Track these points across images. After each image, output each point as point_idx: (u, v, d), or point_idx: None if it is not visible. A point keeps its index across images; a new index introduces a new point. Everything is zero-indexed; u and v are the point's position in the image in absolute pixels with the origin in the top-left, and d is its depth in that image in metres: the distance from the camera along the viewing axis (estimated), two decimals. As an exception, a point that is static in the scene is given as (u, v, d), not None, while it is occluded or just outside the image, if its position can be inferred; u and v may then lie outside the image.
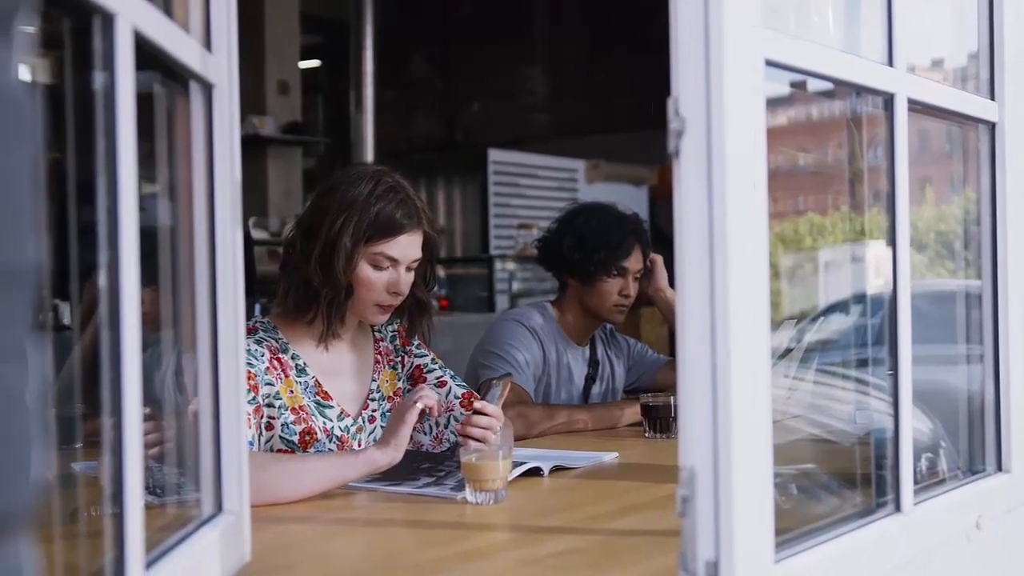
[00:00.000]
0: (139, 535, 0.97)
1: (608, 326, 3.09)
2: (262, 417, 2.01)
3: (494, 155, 8.41)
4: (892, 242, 1.46)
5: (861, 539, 1.36)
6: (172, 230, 1.28)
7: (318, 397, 2.11)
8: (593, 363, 3.03)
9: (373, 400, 2.20)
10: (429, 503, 1.82)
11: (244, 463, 1.35)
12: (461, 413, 2.18)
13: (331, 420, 2.10)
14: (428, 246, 2.15)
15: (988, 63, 1.74)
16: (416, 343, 2.31)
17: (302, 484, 1.84)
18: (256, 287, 4.37)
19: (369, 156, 7.04)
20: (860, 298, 1.72)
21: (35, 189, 0.66)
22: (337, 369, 2.17)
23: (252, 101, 7.04)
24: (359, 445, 2.13)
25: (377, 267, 2.08)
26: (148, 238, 1.04)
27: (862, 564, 1.36)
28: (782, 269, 1.46)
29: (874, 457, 1.54)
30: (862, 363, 1.70)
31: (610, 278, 2.89)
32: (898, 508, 1.45)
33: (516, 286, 7.78)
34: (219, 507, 1.32)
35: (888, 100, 1.46)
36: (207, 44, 1.29)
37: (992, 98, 1.74)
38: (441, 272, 7.71)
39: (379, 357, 2.26)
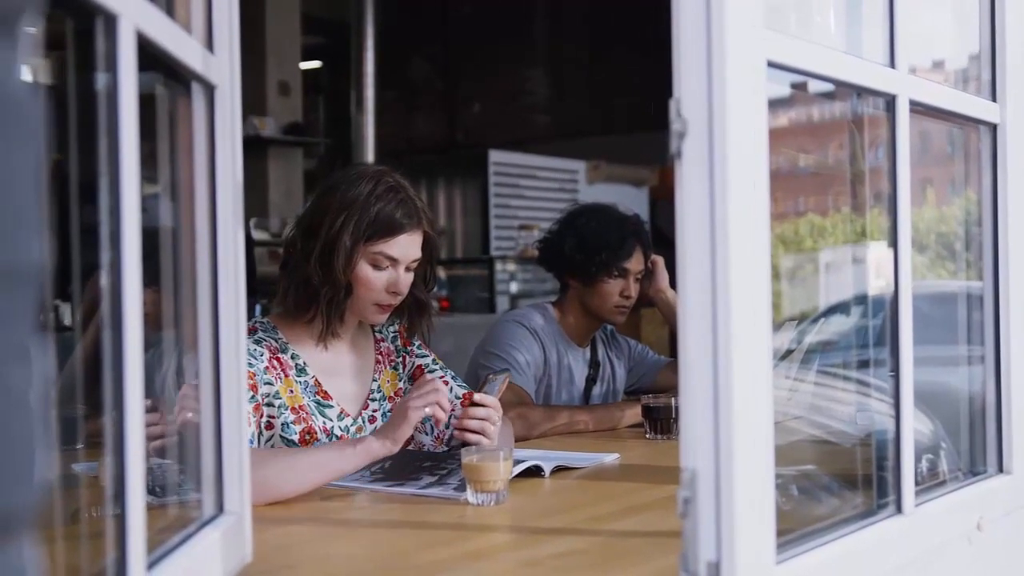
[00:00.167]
0: (141, 536, 0.97)
1: (609, 327, 3.09)
2: (262, 416, 2.01)
3: (495, 156, 8.42)
4: (894, 243, 1.46)
5: (862, 540, 1.36)
6: (174, 231, 1.28)
7: (318, 397, 2.11)
8: (594, 364, 3.03)
9: (374, 400, 2.20)
10: (430, 504, 1.82)
11: (245, 464, 1.35)
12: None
13: (331, 420, 2.10)
14: (428, 246, 2.15)
15: (989, 64, 1.74)
16: (417, 343, 2.32)
17: (303, 478, 1.85)
18: (257, 288, 4.37)
19: (370, 157, 7.05)
20: (861, 299, 1.72)
21: (39, 189, 0.66)
22: (337, 369, 2.17)
23: (253, 102, 7.05)
24: None
25: (377, 267, 2.08)
26: (150, 238, 1.04)
27: (863, 565, 1.36)
28: (783, 270, 1.46)
29: (875, 458, 1.54)
30: (863, 364, 1.70)
31: (611, 279, 2.89)
32: (899, 509, 1.45)
33: (517, 287, 7.78)
34: (220, 508, 1.32)
35: (890, 101, 1.46)
36: (209, 45, 1.29)
37: (993, 100, 1.74)
38: (442, 273, 7.71)
39: (380, 357, 2.26)
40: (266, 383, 2.03)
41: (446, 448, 2.25)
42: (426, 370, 2.29)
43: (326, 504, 1.86)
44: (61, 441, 1.31)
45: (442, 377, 2.27)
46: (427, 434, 2.24)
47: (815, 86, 1.44)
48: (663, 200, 8.10)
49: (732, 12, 1.09)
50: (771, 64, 1.17)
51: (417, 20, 9.79)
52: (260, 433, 2.00)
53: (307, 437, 2.05)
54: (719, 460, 1.09)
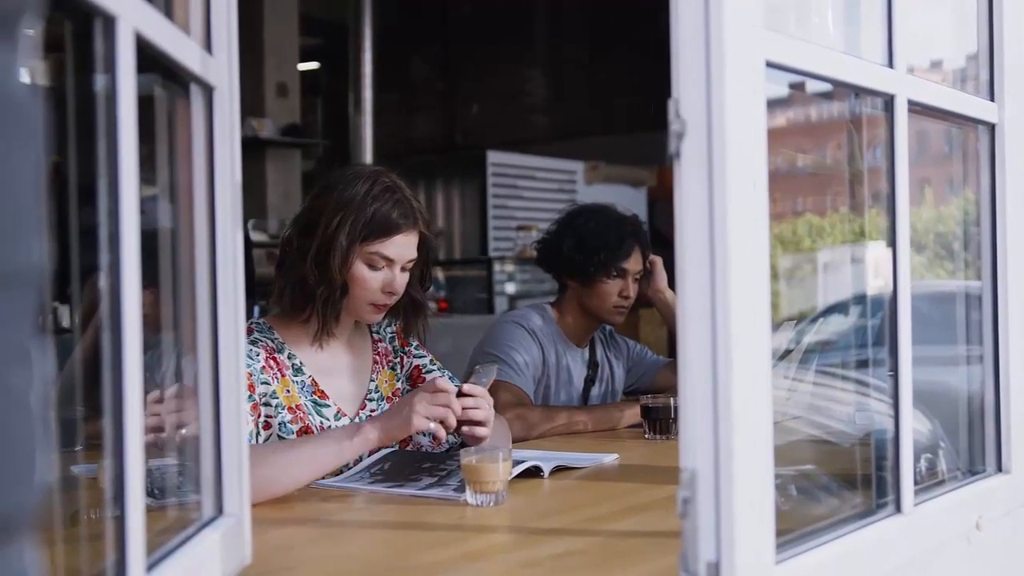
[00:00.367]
0: (140, 538, 0.97)
1: (607, 327, 3.09)
2: (259, 416, 2.02)
3: (493, 157, 8.42)
4: (892, 243, 1.46)
5: (861, 540, 1.36)
6: (172, 232, 1.28)
7: (315, 396, 2.11)
8: (592, 365, 3.03)
9: (371, 400, 2.20)
10: (429, 504, 1.82)
11: (245, 466, 1.35)
12: None
13: (328, 419, 2.11)
14: (424, 246, 2.15)
15: (988, 64, 1.74)
16: (415, 344, 2.32)
17: (300, 473, 1.88)
18: (255, 289, 4.37)
19: (368, 158, 7.05)
20: (859, 299, 1.72)
21: (38, 191, 0.66)
22: (334, 369, 2.17)
23: (251, 103, 7.05)
24: None
25: (372, 266, 2.09)
26: (148, 240, 1.04)
27: (862, 565, 1.36)
28: (781, 270, 1.46)
29: (874, 458, 1.54)
30: (862, 364, 1.70)
31: (609, 279, 2.89)
32: (898, 509, 1.45)
33: (515, 288, 7.78)
34: (220, 509, 1.32)
35: (888, 101, 1.46)
36: (207, 46, 1.29)
37: (992, 99, 1.74)
38: (440, 274, 7.71)
39: (378, 358, 2.26)
40: (263, 383, 2.03)
41: (445, 448, 2.25)
42: (424, 371, 2.29)
43: (325, 505, 1.86)
44: (60, 443, 1.31)
45: (439, 377, 2.27)
46: (425, 435, 2.24)
47: (813, 86, 1.44)
48: (661, 201, 8.11)
49: (731, 12, 1.09)
50: (770, 64, 1.17)
51: (416, 21, 9.80)
52: (258, 432, 2.01)
53: (305, 436, 2.06)
54: (718, 460, 1.09)
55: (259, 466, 1.75)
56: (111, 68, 0.96)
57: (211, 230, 1.30)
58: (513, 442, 2.47)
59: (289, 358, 2.12)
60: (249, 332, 2.09)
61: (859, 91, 1.49)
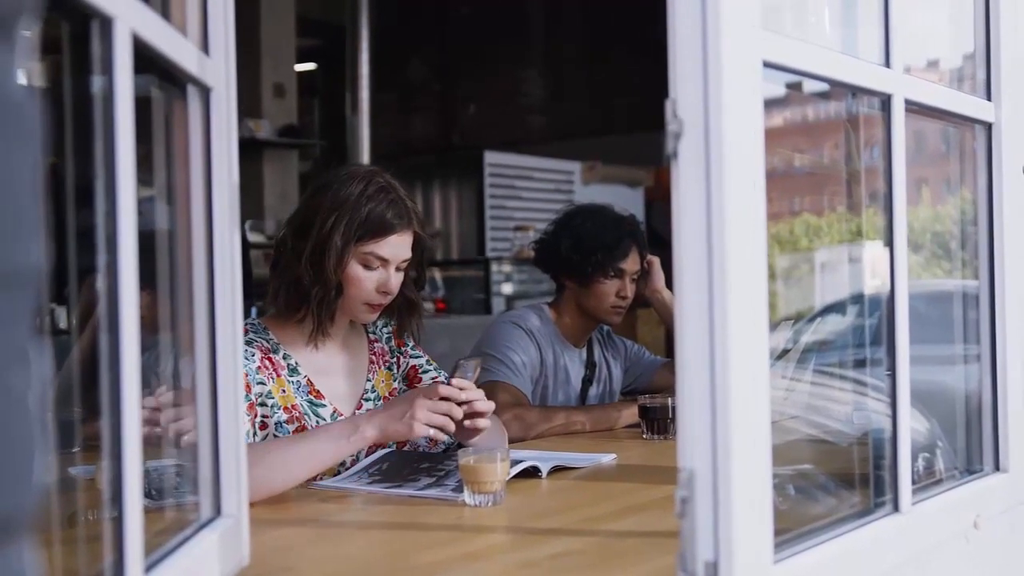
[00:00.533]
0: (138, 539, 0.97)
1: (605, 328, 3.09)
2: (256, 416, 2.02)
3: (490, 157, 8.42)
4: (889, 242, 1.46)
5: (859, 539, 1.36)
6: (170, 233, 1.28)
7: (310, 396, 2.12)
8: (590, 365, 3.03)
9: (368, 400, 2.20)
10: (427, 505, 1.82)
11: (243, 466, 1.35)
12: None
13: (324, 419, 2.11)
14: (418, 246, 2.16)
15: (984, 64, 1.74)
16: (411, 344, 2.32)
17: (296, 472, 1.89)
18: (252, 290, 4.37)
19: (365, 158, 7.04)
20: (857, 299, 1.72)
21: (37, 192, 0.66)
22: (329, 369, 2.18)
23: (248, 104, 7.05)
24: None
25: (367, 266, 2.09)
26: (146, 241, 1.04)
27: (860, 564, 1.36)
28: (778, 270, 1.46)
29: (872, 457, 1.54)
30: (859, 363, 1.71)
31: (607, 279, 2.89)
32: (896, 508, 1.45)
33: (512, 288, 7.78)
34: (218, 510, 1.32)
35: (885, 101, 1.46)
36: (204, 47, 1.29)
37: (988, 99, 1.74)
38: (437, 274, 7.71)
39: (374, 358, 2.26)
40: (258, 383, 2.04)
41: (442, 448, 2.25)
42: (420, 371, 2.29)
43: (323, 506, 1.86)
44: (58, 444, 1.31)
45: (435, 377, 2.27)
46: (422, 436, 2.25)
47: (810, 86, 1.44)
48: (659, 201, 8.12)
49: (728, 12, 1.09)
50: (767, 64, 1.17)
51: (413, 21, 9.80)
52: (255, 432, 2.01)
53: None
54: (716, 460, 1.09)
55: (255, 465, 1.75)
56: (108, 69, 0.95)
57: (208, 231, 1.30)
58: (511, 442, 2.47)
59: (284, 358, 2.12)
60: (244, 333, 2.09)
61: (856, 91, 1.49)
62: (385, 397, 2.24)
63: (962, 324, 1.84)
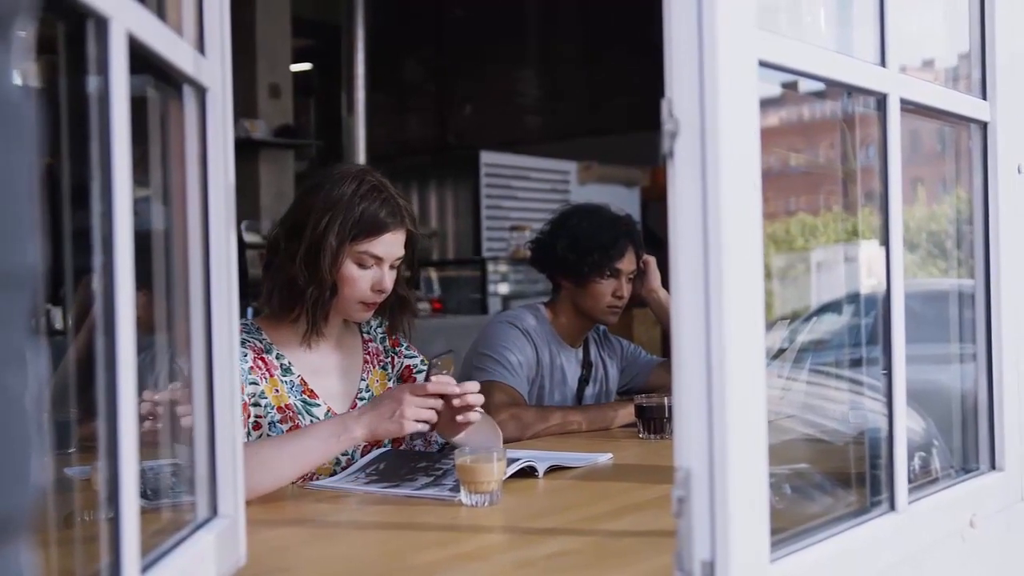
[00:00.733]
0: (135, 539, 0.97)
1: (601, 327, 3.09)
2: (249, 416, 2.02)
3: (486, 157, 8.42)
4: (885, 242, 1.46)
5: (856, 538, 1.37)
6: (166, 234, 1.28)
7: (304, 396, 2.12)
8: (586, 365, 3.03)
9: (363, 399, 2.21)
10: (424, 505, 1.82)
11: (239, 467, 1.35)
12: None
13: (318, 419, 2.11)
14: (411, 244, 2.17)
15: (980, 63, 1.74)
16: (405, 344, 2.33)
17: (288, 471, 1.90)
18: (248, 290, 4.36)
19: (361, 159, 7.04)
20: (853, 298, 1.72)
21: (33, 193, 0.66)
22: (323, 368, 2.18)
23: (244, 104, 7.04)
24: None
25: (362, 265, 2.10)
26: (142, 242, 1.04)
27: (857, 563, 1.36)
28: (774, 269, 1.46)
29: (868, 456, 1.54)
30: (855, 363, 1.71)
31: (603, 279, 2.89)
32: (892, 507, 1.45)
33: (509, 288, 7.78)
34: (214, 511, 1.32)
35: (881, 100, 1.46)
36: (200, 48, 1.29)
37: (984, 98, 1.74)
38: (434, 274, 7.72)
39: (368, 357, 2.27)
40: (251, 383, 2.04)
41: (437, 448, 2.26)
42: (415, 371, 2.30)
43: (320, 506, 1.86)
44: (54, 445, 1.31)
45: (429, 383, 2.27)
46: (417, 437, 2.25)
47: (806, 85, 1.44)
48: (654, 201, 8.12)
49: (724, 12, 1.09)
50: (763, 64, 1.17)
51: (409, 22, 9.80)
52: (248, 432, 2.02)
53: None
54: (713, 459, 1.09)
55: (244, 465, 1.75)
56: (104, 69, 0.95)
57: (205, 231, 1.30)
58: (508, 442, 2.48)
59: (277, 358, 2.12)
60: None
61: (852, 90, 1.49)
62: (381, 397, 2.24)
63: (958, 323, 1.84)
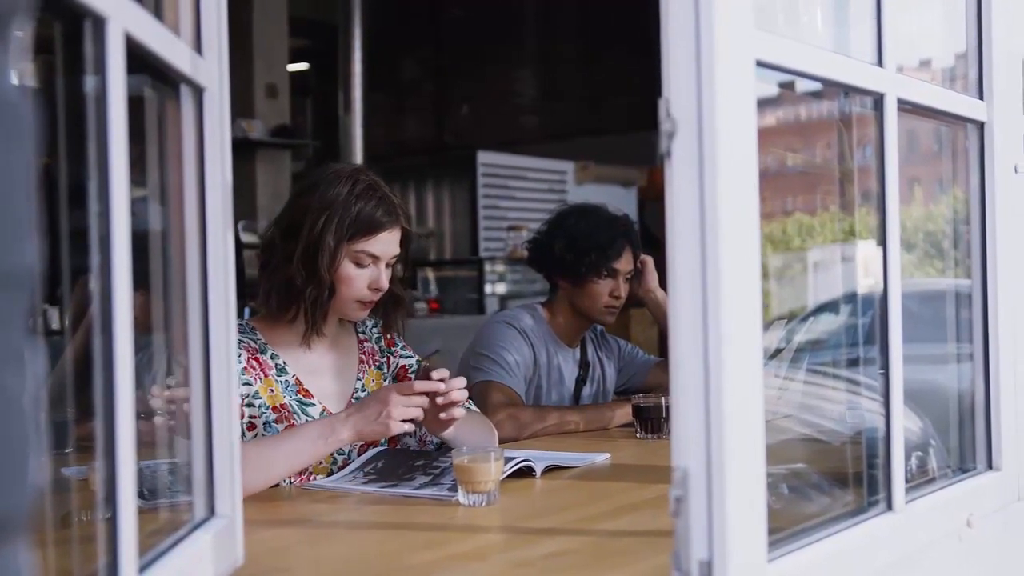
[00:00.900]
0: (132, 539, 0.97)
1: (598, 327, 3.10)
2: (243, 417, 2.02)
3: (483, 157, 8.42)
4: (883, 242, 1.46)
5: (853, 538, 1.37)
6: (163, 234, 1.28)
7: (299, 396, 2.12)
8: (584, 364, 3.03)
9: (358, 399, 2.20)
10: (421, 504, 1.82)
11: (236, 467, 1.35)
12: None
13: (313, 418, 2.11)
14: (405, 242, 2.18)
15: (976, 63, 1.74)
16: (401, 344, 2.33)
17: (275, 472, 1.92)
18: (246, 290, 4.36)
19: (358, 159, 7.04)
20: (849, 298, 1.73)
21: (31, 193, 0.66)
22: (319, 368, 2.18)
23: (240, 104, 7.03)
24: None
25: (359, 264, 2.11)
26: (139, 242, 1.04)
27: (854, 562, 1.36)
28: (771, 269, 1.46)
29: (865, 456, 1.54)
30: (852, 363, 1.71)
31: (600, 279, 2.89)
32: (890, 507, 1.45)
33: (506, 288, 7.78)
34: (212, 511, 1.32)
35: (878, 100, 1.46)
36: (197, 47, 1.29)
37: (980, 98, 1.74)
38: (431, 274, 7.72)
39: (364, 357, 2.27)
40: (244, 383, 2.05)
41: (433, 447, 2.26)
42: (410, 371, 2.30)
43: (318, 506, 1.86)
44: (51, 445, 1.31)
45: (415, 381, 2.28)
46: (412, 436, 2.26)
47: (803, 85, 1.44)
48: (651, 201, 8.12)
49: (721, 12, 1.09)
50: (760, 64, 1.17)
51: (406, 21, 9.79)
52: (243, 433, 2.02)
53: None
54: (710, 459, 1.09)
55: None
56: (101, 69, 0.95)
57: (202, 232, 1.30)
58: (505, 442, 2.48)
59: (272, 358, 2.13)
60: None
61: (849, 90, 1.49)
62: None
63: (955, 323, 1.84)
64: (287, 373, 2.13)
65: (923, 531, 1.53)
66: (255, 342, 2.13)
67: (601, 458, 2.26)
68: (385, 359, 2.30)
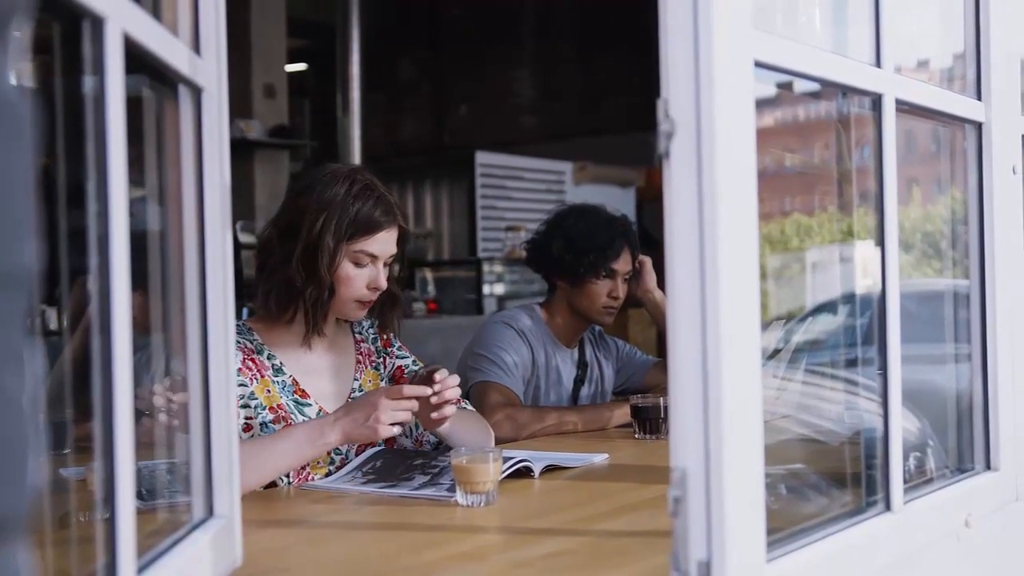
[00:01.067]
0: (131, 540, 0.97)
1: (597, 328, 3.10)
2: (237, 418, 2.02)
3: (481, 157, 8.42)
4: (881, 242, 1.46)
5: (852, 538, 1.37)
6: (161, 234, 1.28)
7: (295, 396, 2.13)
8: (582, 365, 3.03)
9: (355, 399, 2.20)
10: (419, 505, 1.82)
11: (235, 467, 1.35)
12: None
13: (310, 418, 2.11)
14: (402, 241, 2.18)
15: (974, 63, 1.74)
16: (397, 345, 2.34)
17: (262, 473, 1.93)
18: (244, 291, 4.36)
19: (356, 159, 7.04)
20: (848, 298, 1.73)
21: (30, 193, 0.66)
22: (315, 368, 2.19)
23: (239, 105, 7.03)
24: None
25: (358, 264, 2.12)
26: (137, 242, 1.04)
27: (853, 563, 1.36)
28: (769, 270, 1.46)
29: (863, 456, 1.54)
30: (850, 363, 1.71)
31: (599, 280, 2.89)
32: (888, 507, 1.45)
33: (504, 288, 7.78)
34: (210, 511, 1.32)
35: (876, 100, 1.46)
36: (196, 48, 1.29)
37: (978, 98, 1.74)
38: (429, 275, 7.71)
39: (360, 357, 2.27)
40: (240, 384, 2.05)
41: (430, 447, 2.26)
42: (406, 371, 2.30)
43: (316, 507, 1.86)
44: (50, 446, 1.30)
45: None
46: (407, 436, 2.26)
47: (801, 85, 1.44)
48: (650, 202, 8.12)
49: (719, 12, 1.09)
50: (759, 64, 1.17)
51: (404, 22, 9.79)
52: (239, 434, 2.02)
53: None
54: (709, 459, 1.09)
55: None
56: (99, 69, 0.95)
57: (200, 232, 1.30)
58: (503, 443, 2.48)
59: (269, 359, 2.13)
60: None
61: (847, 90, 1.49)
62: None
63: (953, 323, 1.85)
64: (284, 373, 2.13)
65: (921, 531, 1.53)
66: (251, 342, 2.13)
67: (599, 458, 2.26)
68: (381, 359, 2.31)
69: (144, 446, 1.29)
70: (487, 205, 8.40)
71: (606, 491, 1.98)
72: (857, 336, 1.63)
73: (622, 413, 2.73)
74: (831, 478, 1.62)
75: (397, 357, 2.32)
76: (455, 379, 2.05)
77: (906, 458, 1.55)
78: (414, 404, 1.97)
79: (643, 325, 5.85)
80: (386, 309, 2.26)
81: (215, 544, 1.27)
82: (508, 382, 2.77)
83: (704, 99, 1.09)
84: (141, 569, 1.03)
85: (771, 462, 1.19)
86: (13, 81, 0.68)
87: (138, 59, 1.06)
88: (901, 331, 1.48)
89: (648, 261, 3.02)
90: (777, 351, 1.80)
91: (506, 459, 1.95)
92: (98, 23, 0.95)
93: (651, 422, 2.56)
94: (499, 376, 2.77)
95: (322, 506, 1.87)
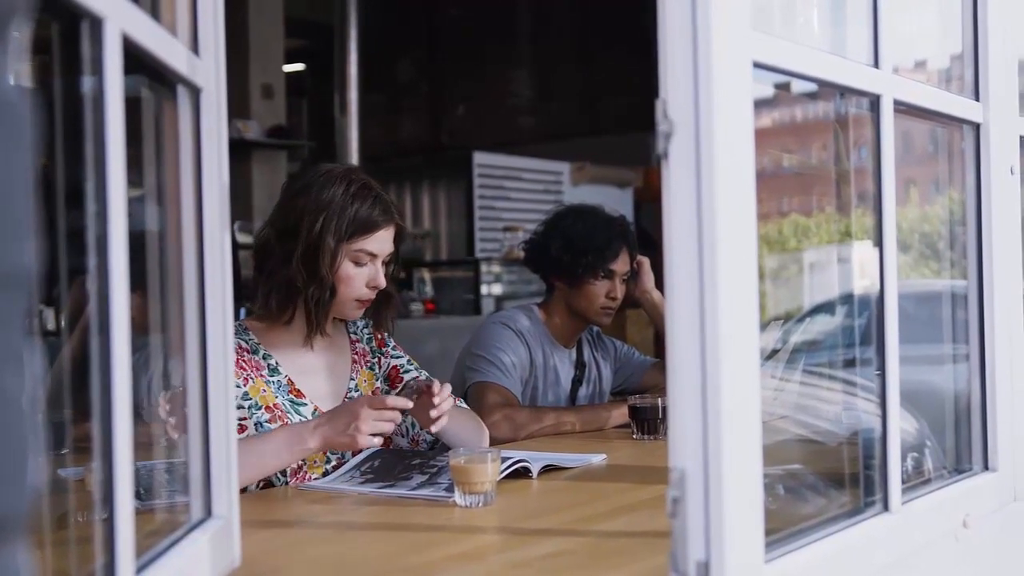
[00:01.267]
0: (130, 540, 0.97)
1: (594, 328, 3.10)
2: None
3: (479, 158, 8.41)
4: (879, 243, 1.46)
5: (850, 538, 1.37)
6: (160, 234, 1.28)
7: (291, 396, 2.13)
8: (580, 365, 3.03)
9: (351, 399, 2.21)
10: (418, 505, 1.82)
11: (233, 468, 1.35)
12: None
13: (305, 418, 2.11)
14: (398, 239, 2.19)
15: (972, 64, 1.75)
16: (392, 344, 2.34)
17: (245, 475, 1.91)
18: (242, 291, 4.35)
19: (354, 159, 7.04)
20: (845, 299, 1.73)
21: (29, 193, 0.66)
22: (312, 368, 2.19)
23: (236, 105, 7.03)
24: None
25: (358, 263, 2.13)
26: (136, 242, 1.04)
27: (851, 563, 1.37)
28: (767, 270, 1.46)
29: (862, 457, 1.54)
30: (848, 363, 1.71)
31: (597, 280, 2.89)
32: (886, 507, 1.45)
33: (502, 289, 7.78)
34: (208, 512, 1.32)
35: (874, 101, 1.46)
36: (194, 48, 1.29)
37: (976, 99, 1.74)
38: (427, 275, 7.71)
39: (356, 357, 2.28)
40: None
41: (426, 447, 2.26)
42: (401, 371, 2.31)
43: (314, 507, 1.86)
44: (49, 446, 1.30)
45: (416, 377, 2.28)
46: (403, 436, 2.26)
47: (799, 86, 1.44)
48: (648, 202, 8.13)
49: (718, 13, 1.09)
50: (757, 65, 1.18)
51: (402, 22, 9.79)
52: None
53: None
54: (708, 459, 1.09)
55: None
56: (98, 70, 0.95)
57: (199, 232, 1.30)
58: (501, 443, 2.48)
59: (264, 358, 2.13)
60: None
61: (845, 91, 1.49)
62: (368, 397, 2.25)
63: (951, 324, 1.85)
64: (279, 373, 2.13)
65: (919, 532, 1.53)
66: (247, 342, 2.13)
67: (598, 459, 2.26)
68: (376, 360, 2.31)
69: (143, 447, 1.29)
70: (485, 205, 8.40)
71: (604, 491, 1.98)
72: (855, 336, 1.63)
73: (620, 413, 2.73)
74: (829, 478, 1.62)
75: (392, 357, 2.33)
76: (448, 388, 2.06)
77: (904, 458, 1.55)
78: (397, 416, 1.96)
79: (641, 326, 5.86)
80: (381, 308, 2.27)
81: (213, 544, 1.27)
82: (506, 382, 2.77)
83: (703, 100, 1.09)
84: (140, 569, 1.03)
85: (770, 463, 1.20)
86: (13, 81, 0.68)
87: (137, 59, 1.06)
88: (899, 332, 1.48)
89: (646, 262, 3.02)
90: (775, 352, 1.80)
91: (504, 459, 1.95)
92: (97, 23, 0.95)
93: (649, 422, 2.57)
94: (497, 377, 2.77)
95: (320, 506, 1.87)
